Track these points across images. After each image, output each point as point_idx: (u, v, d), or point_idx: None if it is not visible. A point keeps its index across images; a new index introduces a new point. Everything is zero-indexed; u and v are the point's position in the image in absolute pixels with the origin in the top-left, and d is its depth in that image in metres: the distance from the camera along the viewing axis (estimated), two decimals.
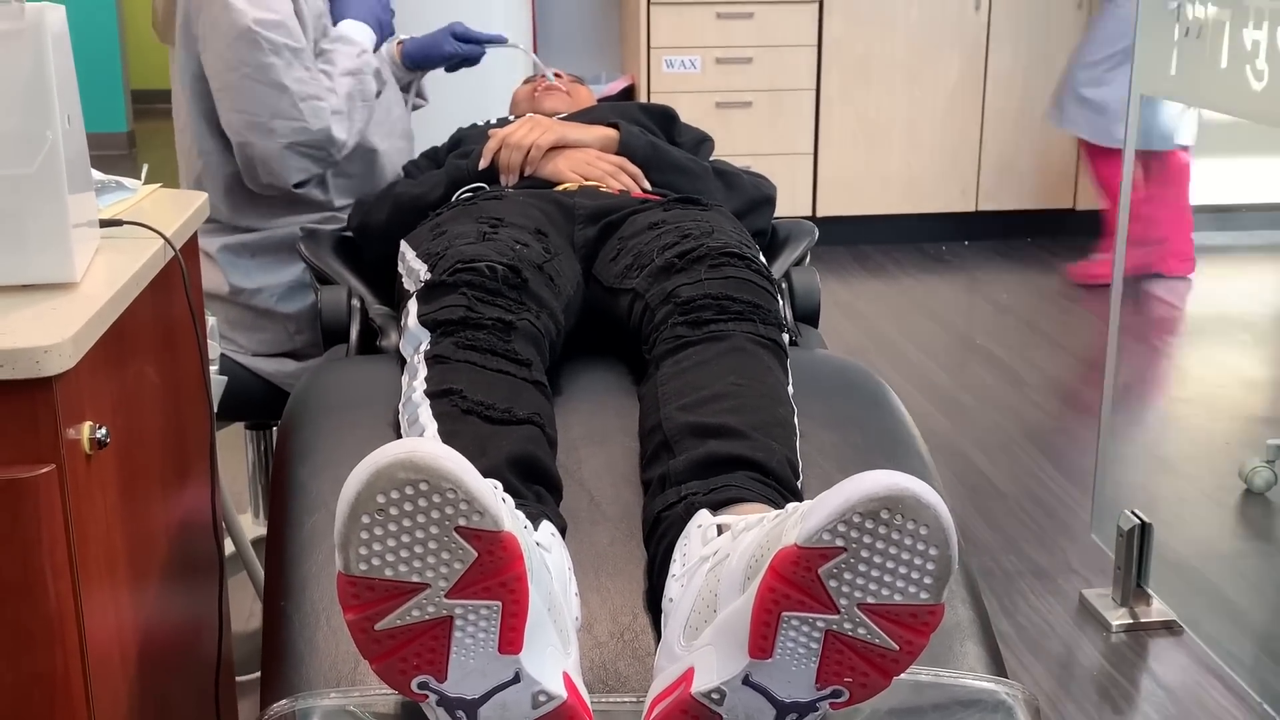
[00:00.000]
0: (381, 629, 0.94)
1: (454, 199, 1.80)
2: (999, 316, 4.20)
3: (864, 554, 0.93)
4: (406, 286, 1.52)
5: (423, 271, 1.43)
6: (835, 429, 1.35)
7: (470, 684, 0.97)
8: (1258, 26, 1.98)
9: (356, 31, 2.09)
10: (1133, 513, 2.39)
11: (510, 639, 0.96)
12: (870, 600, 0.95)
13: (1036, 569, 2.58)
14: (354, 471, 0.92)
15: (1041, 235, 4.98)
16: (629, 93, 4.84)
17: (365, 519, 0.92)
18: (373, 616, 0.94)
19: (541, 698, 0.98)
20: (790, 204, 4.76)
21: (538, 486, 1.18)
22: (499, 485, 0.99)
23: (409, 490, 0.91)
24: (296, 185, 1.96)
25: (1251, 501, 2.80)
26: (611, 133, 1.90)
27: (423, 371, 1.27)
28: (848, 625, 0.96)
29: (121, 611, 1.17)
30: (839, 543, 0.93)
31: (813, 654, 0.97)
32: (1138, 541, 2.38)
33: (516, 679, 0.97)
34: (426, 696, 0.98)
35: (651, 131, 2.06)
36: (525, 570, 0.95)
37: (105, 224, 1.28)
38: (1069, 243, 4.89)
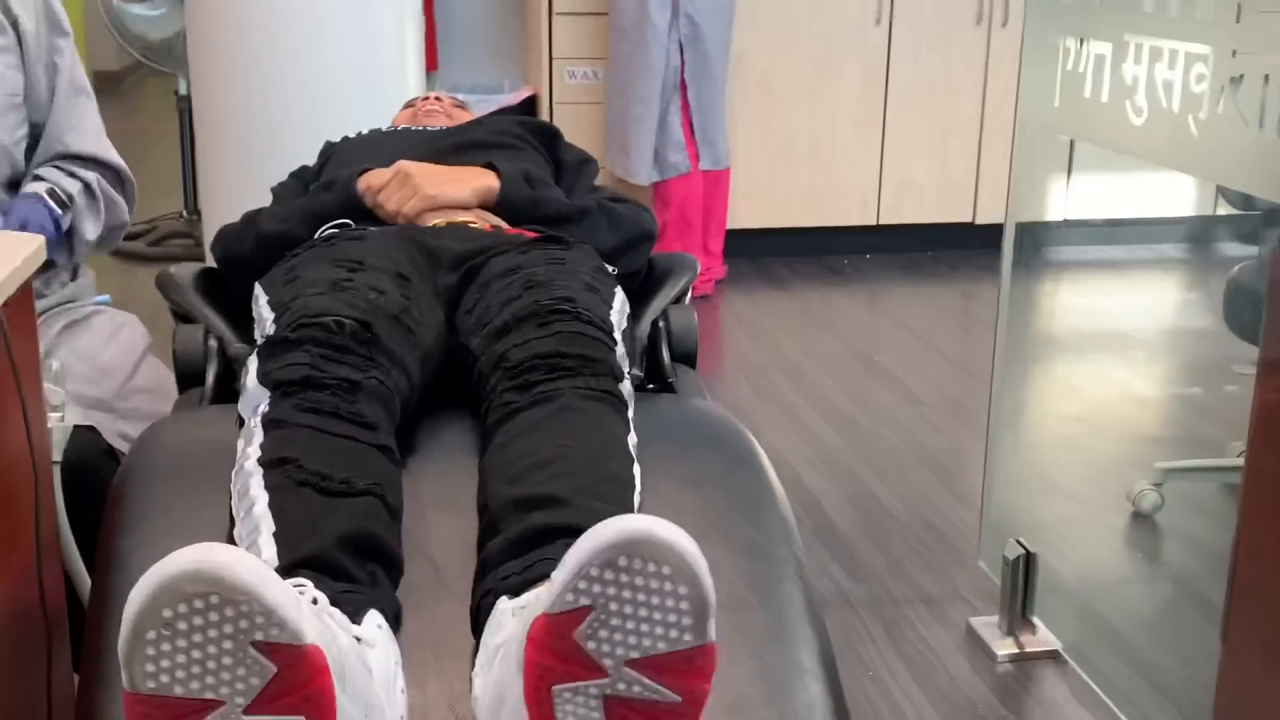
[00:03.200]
0: None
1: (315, 235, 1.74)
2: (898, 332, 4.21)
3: (613, 607, 0.89)
4: (256, 336, 1.45)
5: (268, 323, 1.36)
6: (696, 489, 1.31)
7: None
8: (1137, 62, 1.98)
9: None
10: (1018, 541, 2.38)
11: None
12: (635, 655, 0.90)
13: (925, 596, 2.57)
14: (139, 582, 0.86)
15: (942, 249, 5.01)
16: (531, 102, 4.79)
17: (150, 634, 0.86)
18: None
19: None
20: None
21: (373, 565, 1.12)
22: (304, 586, 0.94)
23: (198, 604, 0.85)
24: None
25: (1139, 524, 2.82)
26: (491, 184, 1.80)
27: (258, 437, 1.20)
28: (621, 686, 0.91)
29: None
30: (584, 601, 0.89)
31: None
32: (1022, 571, 2.38)
33: None
34: None
35: (534, 148, 1.99)
36: (331, 682, 0.89)
37: None
38: (969, 256, 4.92)
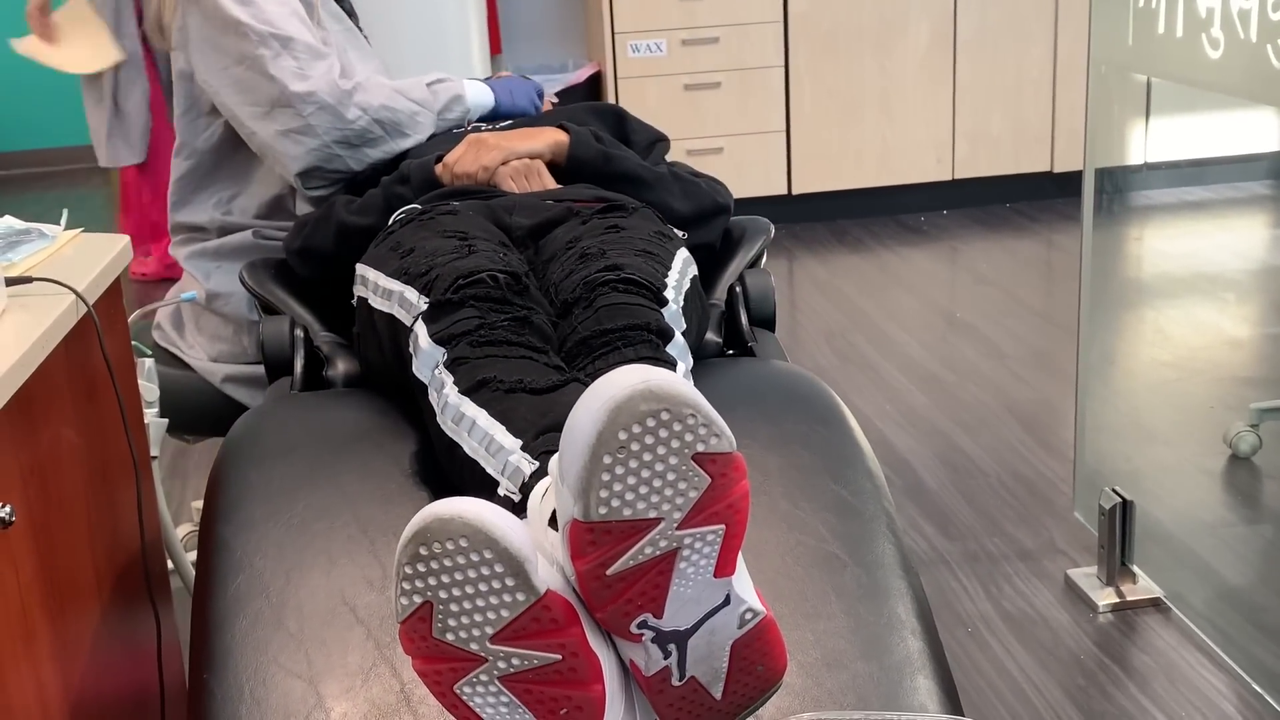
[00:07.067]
0: (613, 574, 0.91)
1: (396, 216, 1.75)
2: (979, 287, 4.16)
3: (443, 595, 0.90)
4: (378, 305, 1.47)
5: (408, 293, 1.38)
6: (781, 449, 1.31)
7: (685, 614, 0.95)
8: None
9: (471, 87, 2.05)
10: (1114, 490, 2.35)
11: (727, 561, 0.94)
12: (491, 630, 0.91)
13: (1021, 550, 2.54)
14: (585, 409, 0.88)
15: (1020, 199, 4.93)
16: (596, 79, 4.78)
17: (607, 459, 0.87)
18: (606, 562, 0.91)
19: (748, 615, 0.97)
20: (765, 182, 4.70)
21: None
22: None
23: (650, 422, 0.87)
24: (308, 186, 1.94)
25: (1237, 467, 2.77)
26: (561, 137, 1.84)
27: (449, 379, 1.23)
28: (502, 664, 0.92)
29: (45, 685, 1.13)
30: (419, 600, 0.90)
31: (514, 703, 0.94)
32: (1120, 520, 2.34)
33: (727, 601, 0.96)
34: (641, 637, 0.95)
35: (601, 136, 2.01)
36: (749, 488, 0.93)
37: (12, 282, 1.24)
38: (1049, 206, 4.85)
